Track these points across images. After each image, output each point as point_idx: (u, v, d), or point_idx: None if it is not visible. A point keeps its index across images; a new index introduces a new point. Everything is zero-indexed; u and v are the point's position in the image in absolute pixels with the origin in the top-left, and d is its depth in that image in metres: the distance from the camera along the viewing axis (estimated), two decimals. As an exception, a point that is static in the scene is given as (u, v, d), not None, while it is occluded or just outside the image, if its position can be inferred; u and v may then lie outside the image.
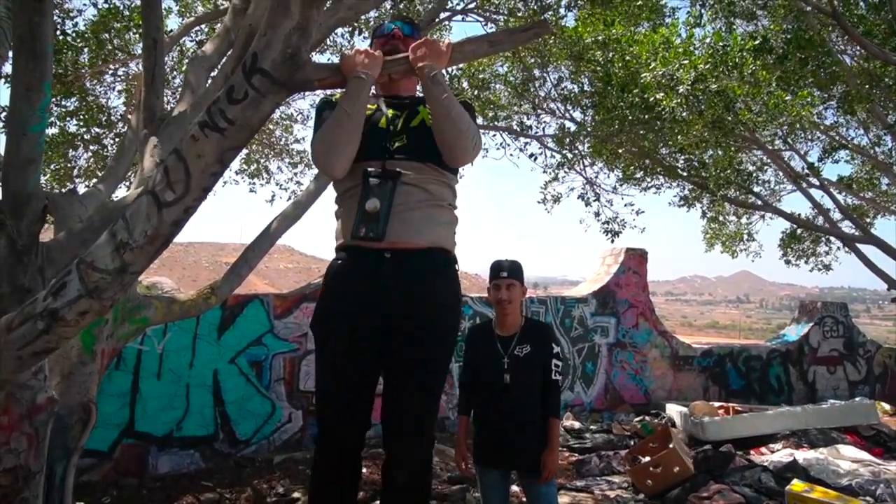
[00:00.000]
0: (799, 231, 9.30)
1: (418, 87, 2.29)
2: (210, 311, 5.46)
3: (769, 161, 9.36)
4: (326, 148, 2.00)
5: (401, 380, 2.04)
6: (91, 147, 7.33)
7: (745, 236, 10.14)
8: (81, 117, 6.63)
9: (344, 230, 2.10)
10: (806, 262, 9.69)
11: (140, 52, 6.66)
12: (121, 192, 4.34)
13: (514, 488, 4.36)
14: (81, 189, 4.59)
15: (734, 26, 7.82)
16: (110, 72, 7.17)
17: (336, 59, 3.80)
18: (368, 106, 2.12)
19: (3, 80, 5.16)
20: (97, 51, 6.25)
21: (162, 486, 5.06)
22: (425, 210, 2.06)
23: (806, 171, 8.63)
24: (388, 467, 2.11)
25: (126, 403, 5.24)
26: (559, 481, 5.33)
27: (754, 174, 8.72)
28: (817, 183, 8.91)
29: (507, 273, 3.04)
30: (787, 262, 9.65)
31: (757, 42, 6.56)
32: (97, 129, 7.11)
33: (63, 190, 5.70)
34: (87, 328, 2.55)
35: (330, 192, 2.57)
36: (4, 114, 6.04)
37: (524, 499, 4.09)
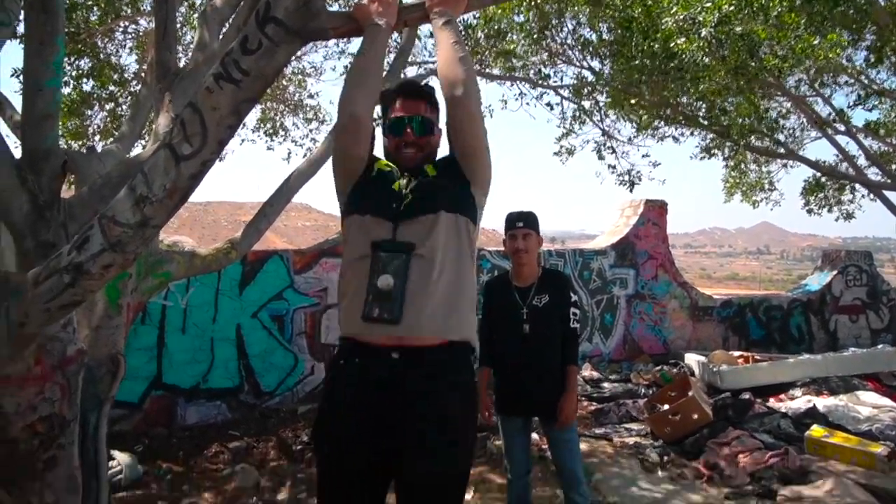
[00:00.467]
0: (823, 179, 9.10)
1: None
2: (231, 267, 5.58)
3: (793, 108, 9.09)
4: (350, 86, 1.89)
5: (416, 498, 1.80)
6: (106, 106, 7.34)
7: (766, 185, 9.94)
8: (95, 76, 6.61)
9: (351, 311, 1.81)
10: (829, 211, 9.51)
11: (150, 8, 6.62)
12: (138, 149, 4.36)
13: (536, 437, 4.44)
14: (99, 147, 4.61)
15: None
16: (120, 29, 7.11)
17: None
18: (387, 164, 1.97)
19: (17, 39, 5.14)
20: (107, 7, 6.18)
21: (190, 436, 5.24)
22: (443, 291, 1.79)
23: (834, 117, 8.37)
24: None
25: (153, 357, 5.39)
26: (578, 429, 5.42)
27: (777, 121, 8.48)
28: (843, 129, 8.65)
29: (523, 223, 3.03)
30: (810, 211, 9.47)
31: (782, -19, 6.28)
32: (112, 88, 7.10)
33: (81, 148, 5.74)
34: (112, 283, 2.60)
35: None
36: (21, 75, 6.05)
37: (545, 446, 4.19)
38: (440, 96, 1.95)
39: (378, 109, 2.09)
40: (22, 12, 2.22)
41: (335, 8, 7.06)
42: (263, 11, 1.73)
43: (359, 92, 1.88)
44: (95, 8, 6.19)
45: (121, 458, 4.32)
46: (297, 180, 3.50)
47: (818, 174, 9.16)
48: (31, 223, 2.17)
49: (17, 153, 2.28)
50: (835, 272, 9.73)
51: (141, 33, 7.34)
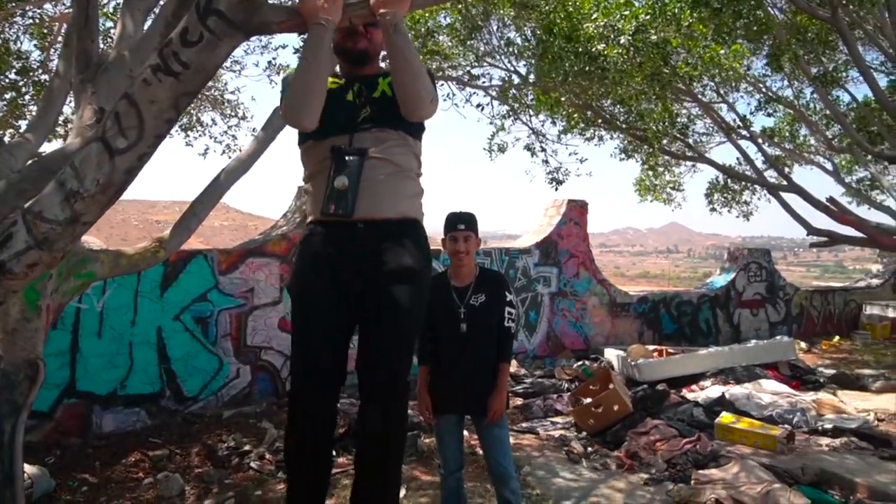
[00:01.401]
0: (727, 181, 9.75)
1: (383, 65, 2.29)
2: (151, 268, 5.34)
3: (701, 113, 9.69)
4: (296, 99, 1.98)
5: (374, 327, 2.07)
6: (6, 95, 6.85)
7: (674, 186, 10.55)
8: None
9: (314, 207, 2.14)
10: (729, 211, 10.22)
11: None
12: (53, 144, 4.11)
13: (467, 433, 4.51)
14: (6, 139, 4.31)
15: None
16: (20, 13, 6.65)
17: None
18: (335, 81, 2.16)
19: None
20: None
21: (107, 445, 4.97)
22: (393, 183, 2.10)
23: (738, 122, 8.98)
24: (363, 413, 2.13)
25: (66, 363, 5.08)
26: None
27: (690, 127, 9.01)
28: (747, 134, 9.30)
29: (464, 225, 3.08)
30: (713, 209, 10.14)
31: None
32: (12, 76, 6.64)
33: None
34: (31, 283, 2.45)
35: (274, 148, 2.55)
36: None
37: (474, 442, 4.26)
38: None
39: None
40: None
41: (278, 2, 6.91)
42: (205, 2, 1.70)
43: (306, 107, 1.99)
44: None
45: (30, 471, 4.04)
46: (228, 178, 3.41)
47: (723, 176, 9.80)
48: (-58, 220, 2.02)
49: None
50: (738, 269, 10.42)
51: (46, 18, 6.91)
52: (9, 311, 2.41)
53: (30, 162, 2.55)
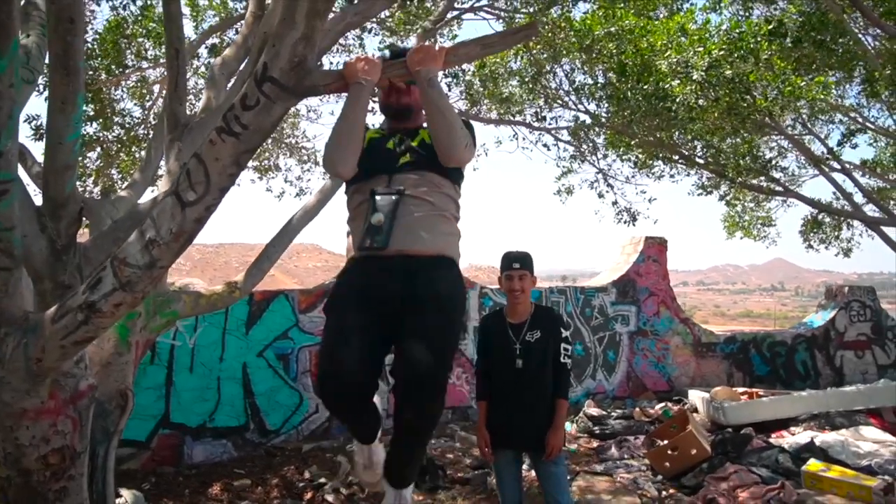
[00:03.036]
0: (821, 216, 9.21)
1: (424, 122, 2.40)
2: (238, 307, 5.74)
3: (789, 146, 9.30)
4: (331, 149, 2.15)
5: (410, 336, 2.04)
6: (111, 149, 7.51)
7: (765, 222, 10.07)
8: (99, 120, 6.83)
9: (353, 246, 2.23)
10: (827, 248, 9.61)
11: (155, 57, 6.93)
12: (150, 195, 4.56)
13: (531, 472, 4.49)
14: (98, 190, 4.80)
15: (751, 10, 7.78)
16: (126, 80, 7.39)
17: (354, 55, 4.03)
18: (379, 132, 2.30)
19: (38, 92, 5.42)
20: (115, 57, 6.46)
21: (197, 474, 5.31)
22: (428, 221, 2.15)
23: (827, 155, 8.54)
24: (398, 408, 2.08)
25: (161, 396, 5.51)
26: (578, 467, 5.45)
27: (774, 160, 8.66)
28: (839, 167, 8.82)
29: (519, 264, 3.17)
30: (810, 246, 9.58)
31: (771, 26, 6.54)
32: (117, 132, 7.30)
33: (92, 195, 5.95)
34: (122, 321, 2.75)
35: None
36: (35, 121, 6.33)
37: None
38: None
39: None
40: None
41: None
42: (261, 71, 1.93)
43: (341, 154, 2.15)
44: (103, 57, 6.45)
45: (128, 496, 4.39)
46: (300, 221, 3.67)
47: (816, 211, 9.29)
48: (49, 266, 2.34)
49: (38, 200, 2.48)
50: (838, 308, 9.75)
51: (149, 81, 7.64)
52: (103, 346, 2.72)
53: (123, 213, 2.88)
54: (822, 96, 6.79)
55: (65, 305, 1.99)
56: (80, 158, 7.24)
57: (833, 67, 7.54)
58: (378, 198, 2.14)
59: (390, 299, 2.08)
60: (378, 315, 2.08)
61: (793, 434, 5.90)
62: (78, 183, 6.81)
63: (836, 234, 9.67)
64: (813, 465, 4.68)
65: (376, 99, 2.70)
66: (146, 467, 5.34)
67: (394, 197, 2.13)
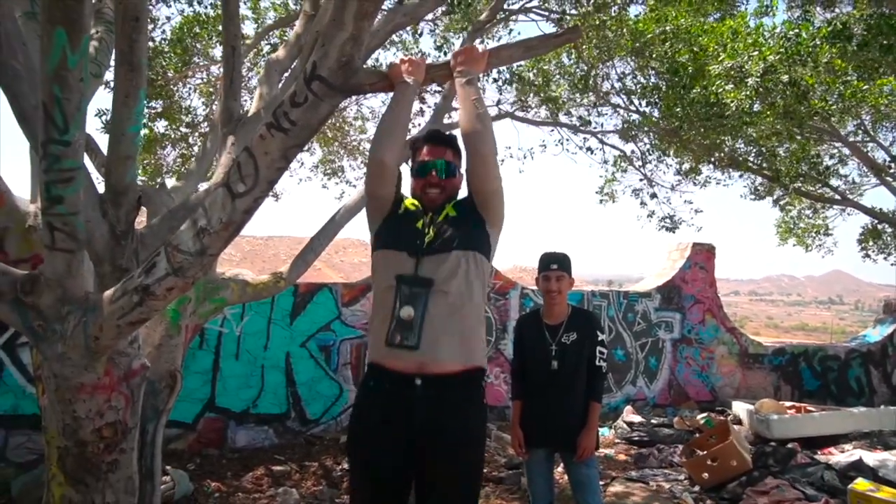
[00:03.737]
0: (881, 226, 8.85)
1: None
2: (283, 297, 5.91)
3: (850, 154, 8.96)
4: (377, 137, 2.18)
5: (443, 490, 2.03)
6: (178, 146, 7.91)
7: (822, 230, 9.72)
8: (167, 117, 7.19)
9: (377, 337, 2.08)
10: (885, 258, 9.21)
11: (219, 56, 7.20)
12: (203, 186, 4.76)
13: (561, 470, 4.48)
14: (170, 183, 5.04)
15: (811, 15, 7.53)
16: (192, 76, 7.71)
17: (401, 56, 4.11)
18: (414, 203, 2.22)
19: (104, 86, 5.71)
20: (182, 56, 6.77)
21: (239, 458, 5.50)
22: (457, 322, 2.04)
23: (889, 163, 8.20)
24: None
25: (208, 380, 5.72)
26: (615, 472, 5.41)
27: (832, 167, 8.37)
28: (898, 174, 8.47)
29: (557, 265, 3.18)
30: (867, 255, 9.21)
31: (831, 28, 6.32)
32: (183, 129, 7.67)
33: (154, 184, 6.23)
34: (174, 305, 2.89)
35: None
36: (105, 116, 6.67)
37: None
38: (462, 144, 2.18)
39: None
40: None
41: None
42: (310, 70, 2.00)
43: (386, 142, 2.15)
44: (172, 56, 6.78)
45: (174, 475, 4.60)
46: (344, 216, 3.77)
47: (875, 221, 8.93)
48: (109, 250, 2.48)
49: (100, 188, 2.62)
50: (897, 323, 9.35)
51: (212, 79, 7.94)
52: (156, 329, 2.86)
53: (178, 202, 3.02)
54: (885, 101, 6.54)
55: (122, 287, 2.10)
56: (160, 157, 7.68)
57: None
58: (406, 288, 2.04)
59: (417, 431, 2.00)
60: (403, 452, 2.01)
61: (841, 451, 5.71)
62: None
63: (896, 244, 9.27)
64: (860, 483, 4.52)
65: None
66: (192, 448, 5.56)
67: (422, 291, 2.03)
